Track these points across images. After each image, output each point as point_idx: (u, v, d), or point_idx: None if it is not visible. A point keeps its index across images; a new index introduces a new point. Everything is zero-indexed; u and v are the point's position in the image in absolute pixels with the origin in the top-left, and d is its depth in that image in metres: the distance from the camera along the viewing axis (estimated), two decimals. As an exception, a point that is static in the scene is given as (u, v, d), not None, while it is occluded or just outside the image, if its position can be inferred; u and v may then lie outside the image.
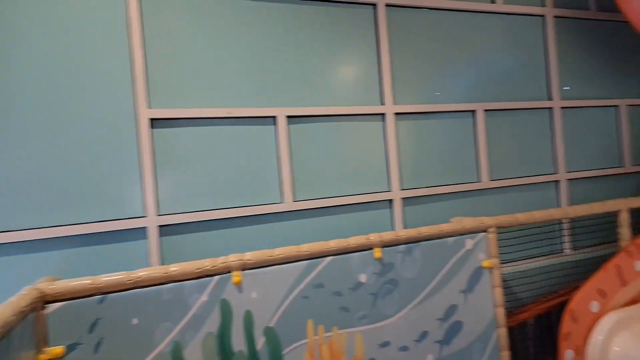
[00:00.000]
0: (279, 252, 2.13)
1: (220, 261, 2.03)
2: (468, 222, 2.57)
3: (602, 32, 3.86)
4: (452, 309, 2.44)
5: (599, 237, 3.35)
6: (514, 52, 3.50)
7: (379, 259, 2.31)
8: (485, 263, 2.55)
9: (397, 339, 2.29)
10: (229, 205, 2.60)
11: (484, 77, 3.39)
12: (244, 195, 2.64)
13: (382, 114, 3.02)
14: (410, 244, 2.39)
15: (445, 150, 3.21)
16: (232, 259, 2.05)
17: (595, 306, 2.79)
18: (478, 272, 2.53)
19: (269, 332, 2.06)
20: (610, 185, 3.82)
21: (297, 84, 2.81)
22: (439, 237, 2.48)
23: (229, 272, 2.04)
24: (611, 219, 3.22)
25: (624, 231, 3.19)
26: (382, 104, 3.01)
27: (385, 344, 2.27)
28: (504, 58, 3.47)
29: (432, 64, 3.19)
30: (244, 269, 2.07)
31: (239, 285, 2.04)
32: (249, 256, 2.08)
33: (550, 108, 3.59)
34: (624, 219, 3.19)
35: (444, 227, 2.49)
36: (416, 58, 3.14)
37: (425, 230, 2.43)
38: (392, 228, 3.00)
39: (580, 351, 2.67)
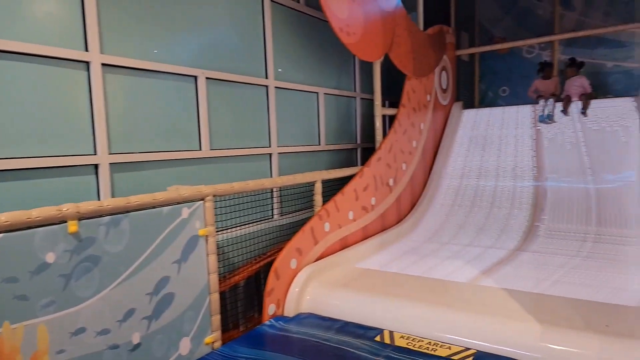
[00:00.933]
0: None
1: None
2: (185, 191, 2.46)
3: (311, 25, 4.42)
4: (164, 281, 2.29)
5: (300, 204, 3.86)
6: (238, 28, 3.58)
7: (75, 234, 1.91)
8: (202, 231, 2.51)
9: (95, 323, 1.98)
10: None
11: (209, 46, 3.32)
12: None
13: (87, 62, 2.52)
14: (117, 215, 2.09)
15: (164, 114, 2.99)
16: None
17: (294, 263, 3.20)
18: (193, 241, 2.47)
19: None
20: (310, 159, 4.47)
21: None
22: (152, 207, 2.26)
23: None
24: (309, 188, 3.76)
25: (318, 198, 3.78)
26: (86, 49, 2.52)
27: (79, 331, 1.92)
28: (229, 31, 3.50)
29: (152, 17, 2.88)
30: None
31: None
32: None
33: (266, 86, 3.87)
34: (318, 188, 3.79)
35: (158, 196, 2.29)
36: (133, 5, 2.76)
37: (135, 199, 2.17)
38: (98, 197, 2.59)
39: (280, 304, 3.00)
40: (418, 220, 4.73)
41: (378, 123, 4.43)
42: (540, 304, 2.68)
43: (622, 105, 4.82)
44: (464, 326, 2.53)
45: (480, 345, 2.35)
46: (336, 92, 4.82)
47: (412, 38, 4.57)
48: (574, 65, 5.17)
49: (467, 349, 2.32)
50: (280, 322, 2.81)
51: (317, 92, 4.53)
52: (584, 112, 4.94)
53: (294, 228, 3.78)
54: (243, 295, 3.27)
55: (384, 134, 4.45)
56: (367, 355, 2.34)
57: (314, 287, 3.09)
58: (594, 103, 4.89)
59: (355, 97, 5.17)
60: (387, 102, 4.79)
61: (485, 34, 6.92)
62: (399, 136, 4.59)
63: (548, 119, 5.08)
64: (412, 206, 4.90)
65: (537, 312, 2.52)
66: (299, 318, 2.88)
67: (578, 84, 5.08)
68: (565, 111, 5.05)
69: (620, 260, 3.47)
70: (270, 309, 2.92)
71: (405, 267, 3.56)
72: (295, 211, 3.92)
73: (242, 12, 3.62)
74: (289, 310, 2.99)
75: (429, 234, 4.52)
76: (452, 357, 2.27)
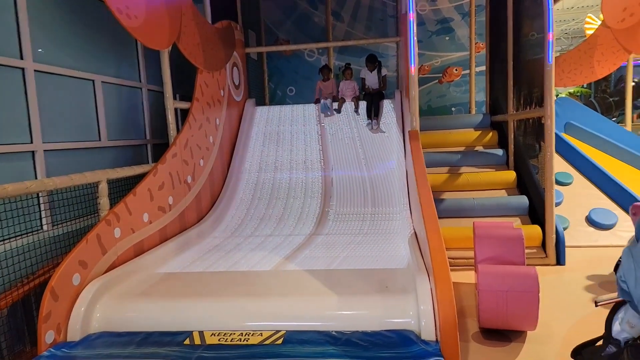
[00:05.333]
0: None
1: None
2: None
3: (79, 5, 3.80)
4: None
5: (80, 209, 3.29)
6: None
7: None
8: None
9: None
10: None
11: None
12: None
13: None
14: None
15: None
16: None
17: (77, 279, 2.69)
18: None
19: None
20: (90, 158, 3.86)
21: None
22: None
23: None
24: (92, 190, 3.24)
25: (104, 201, 3.29)
26: None
27: None
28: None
29: None
30: None
31: None
32: None
33: (22, 69, 3.14)
34: (104, 189, 3.30)
35: None
36: None
37: None
38: None
39: (61, 329, 2.49)
40: (219, 217, 4.65)
41: (170, 117, 4.15)
42: (334, 278, 2.97)
43: (382, 106, 5.78)
44: (272, 311, 2.60)
45: (288, 325, 2.45)
46: (117, 81, 4.29)
47: (201, 30, 4.44)
48: (348, 70, 5.95)
49: (278, 331, 2.39)
50: (63, 349, 2.33)
51: (92, 80, 3.94)
52: (356, 111, 5.74)
53: (74, 238, 3.21)
54: (7, 328, 2.59)
55: (178, 129, 4.20)
56: (176, 362, 2.15)
57: (105, 302, 2.68)
58: (363, 104, 5.72)
59: (141, 88, 4.72)
60: (177, 96, 4.52)
61: (271, 35, 7.33)
62: (195, 131, 4.41)
63: (329, 112, 5.74)
64: (213, 203, 4.79)
65: (332, 286, 2.79)
66: (88, 340, 2.44)
67: (351, 87, 5.87)
68: (339, 110, 5.77)
69: (390, 233, 4.16)
70: (47, 336, 2.38)
71: (209, 266, 3.44)
72: (74, 218, 3.31)
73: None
74: (74, 334, 2.51)
75: (231, 230, 4.50)
76: (264, 343, 2.29)
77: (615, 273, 0.99)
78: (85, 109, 3.88)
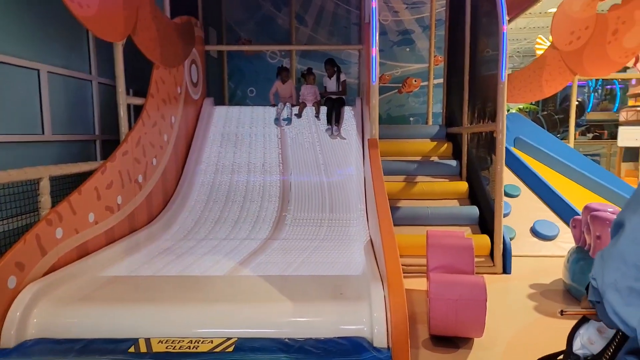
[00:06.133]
0: None
1: None
2: None
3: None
4: None
5: (18, 207, 3.06)
6: None
7: None
8: None
9: None
10: None
11: None
12: None
13: None
14: None
15: None
16: None
17: (12, 281, 2.50)
18: None
19: None
20: (31, 152, 3.62)
21: None
22: None
23: None
24: (32, 187, 3.03)
25: (45, 199, 3.09)
26: None
27: None
28: None
29: None
30: None
31: None
32: None
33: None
34: (45, 186, 3.09)
35: None
36: None
37: None
38: None
39: (-9, 337, 2.30)
40: (172, 219, 4.49)
41: (122, 113, 3.97)
42: (289, 284, 2.93)
43: (343, 113, 5.81)
44: (223, 318, 2.52)
45: (240, 332, 2.39)
46: (65, 72, 4.05)
47: (158, 24, 4.29)
48: (311, 75, 5.94)
49: (229, 338, 2.32)
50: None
51: (37, 70, 3.69)
52: (317, 116, 5.74)
53: (10, 238, 2.99)
54: None
55: (130, 126, 4.02)
56: (119, 372, 2.04)
57: (43, 307, 2.50)
58: (323, 109, 5.74)
59: (91, 81, 4.48)
60: (131, 91, 4.33)
61: (232, 34, 7.21)
62: (148, 128, 4.24)
63: (287, 122, 5.68)
64: (165, 204, 4.62)
65: (287, 292, 2.75)
66: (24, 347, 2.27)
67: (312, 92, 5.87)
68: (299, 115, 5.75)
69: (347, 240, 4.18)
70: (-28, 346, 2.19)
71: (160, 269, 3.30)
72: (9, 217, 3.08)
73: None
74: (8, 341, 2.33)
75: (184, 232, 4.35)
76: (214, 351, 2.22)
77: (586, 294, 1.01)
78: (27, 100, 3.63)
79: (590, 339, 1.17)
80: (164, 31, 4.43)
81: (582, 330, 1.21)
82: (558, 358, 1.34)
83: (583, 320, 1.22)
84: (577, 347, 1.21)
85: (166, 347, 2.24)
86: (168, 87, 4.71)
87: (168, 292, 2.87)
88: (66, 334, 2.39)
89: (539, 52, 8.66)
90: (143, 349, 2.24)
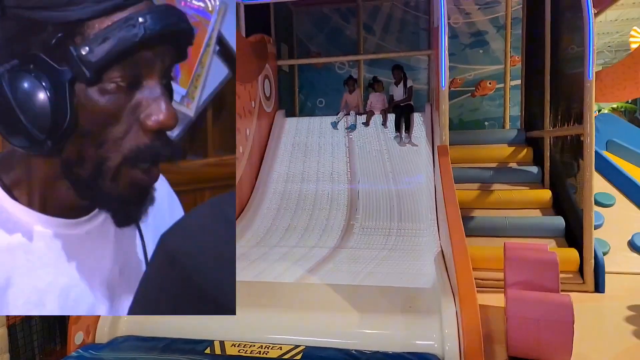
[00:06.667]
0: None
1: None
2: None
3: None
4: None
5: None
6: None
7: None
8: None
9: None
10: None
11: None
12: None
13: None
14: None
15: None
16: None
17: (105, 283, 2.77)
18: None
19: None
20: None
21: None
22: None
23: None
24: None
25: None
26: None
27: None
28: None
29: None
30: None
31: None
32: None
33: None
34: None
35: None
36: None
37: None
38: None
39: (90, 331, 2.56)
40: (246, 226, 4.69)
41: (202, 127, 4.24)
42: (357, 294, 2.92)
43: (413, 119, 5.71)
44: (292, 325, 2.58)
45: (308, 340, 2.42)
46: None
47: (237, 43, 4.55)
48: (378, 83, 5.92)
49: (297, 346, 2.36)
50: (90, 350, 2.38)
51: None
52: (384, 124, 5.70)
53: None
54: (40, 327, 2.69)
55: (209, 139, 4.28)
56: (195, 371, 2.17)
57: (131, 308, 2.73)
58: (391, 117, 5.67)
59: (176, 100, 4.86)
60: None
61: (303, 48, 7.41)
62: (224, 141, 4.49)
63: (351, 129, 5.70)
64: (240, 212, 4.85)
65: (354, 302, 2.74)
66: (115, 343, 2.50)
67: (380, 99, 5.84)
68: (367, 123, 5.74)
69: (416, 250, 4.07)
70: (77, 338, 2.46)
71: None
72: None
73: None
74: (102, 336, 2.57)
75: (257, 239, 4.53)
76: (283, 357, 2.27)
77: None
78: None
79: None
80: (240, 50, 4.69)
81: None
82: None
83: None
84: None
85: (238, 351, 2.34)
86: (243, 102, 4.96)
87: (242, 297, 2.97)
88: (152, 333, 2.60)
89: (634, 46, 7.84)
90: (218, 351, 2.36)
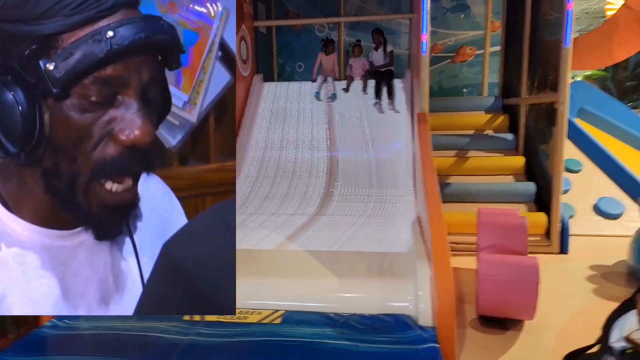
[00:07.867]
0: None
1: None
2: None
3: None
4: None
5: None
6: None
7: None
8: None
9: None
10: None
11: None
12: None
13: None
14: None
15: None
16: None
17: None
18: None
19: None
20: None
21: None
22: None
23: None
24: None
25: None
26: None
27: None
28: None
29: None
30: None
31: None
32: None
33: None
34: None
35: None
36: None
37: None
38: None
39: (67, 301, 2.54)
40: (224, 193, 4.67)
41: (177, 92, 4.12)
42: (335, 260, 2.98)
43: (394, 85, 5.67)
44: (272, 290, 2.63)
45: (288, 305, 2.48)
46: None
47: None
48: (358, 47, 5.81)
49: (276, 311, 2.42)
50: (65, 320, 2.38)
51: None
52: (364, 90, 5.64)
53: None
54: None
55: (184, 104, 4.17)
56: (175, 336, 2.19)
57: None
58: (371, 83, 5.62)
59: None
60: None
61: (281, 8, 7.16)
62: (201, 107, 4.37)
63: (332, 99, 5.62)
64: (218, 179, 4.80)
65: (333, 268, 2.80)
66: (92, 312, 2.50)
67: (360, 64, 5.75)
68: (347, 89, 5.67)
69: (394, 216, 4.15)
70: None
71: (213, 242, 3.47)
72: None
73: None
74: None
75: (236, 207, 4.51)
76: (262, 322, 2.33)
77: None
78: None
79: (631, 329, 1.08)
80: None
81: (622, 320, 1.12)
82: (589, 351, 1.25)
83: (625, 308, 1.13)
84: (615, 339, 1.12)
85: (217, 317, 2.38)
86: (218, 65, 4.81)
87: (221, 264, 3.01)
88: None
89: (610, 13, 7.88)
90: (197, 317, 2.39)
